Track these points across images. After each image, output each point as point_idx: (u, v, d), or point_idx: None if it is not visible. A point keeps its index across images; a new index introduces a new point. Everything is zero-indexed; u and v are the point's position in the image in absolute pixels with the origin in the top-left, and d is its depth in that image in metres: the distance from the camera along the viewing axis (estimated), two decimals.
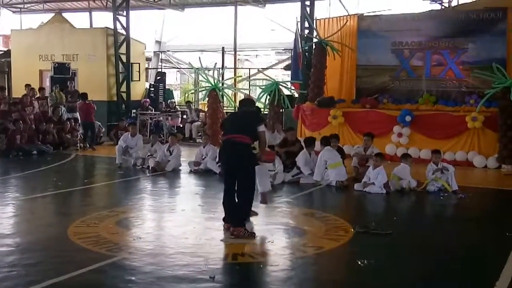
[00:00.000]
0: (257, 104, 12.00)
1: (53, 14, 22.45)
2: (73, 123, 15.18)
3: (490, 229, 7.22)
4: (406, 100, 14.55)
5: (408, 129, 12.89)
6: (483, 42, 13.86)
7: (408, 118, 12.82)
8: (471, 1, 15.29)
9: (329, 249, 6.01)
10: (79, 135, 15.09)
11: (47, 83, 18.31)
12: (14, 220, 7.36)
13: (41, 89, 16.12)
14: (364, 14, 16.30)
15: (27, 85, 15.49)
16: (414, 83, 14.89)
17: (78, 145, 14.82)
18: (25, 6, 24.68)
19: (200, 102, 17.78)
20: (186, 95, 24.83)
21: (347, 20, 15.74)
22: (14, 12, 25.21)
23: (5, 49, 23.22)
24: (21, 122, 13.70)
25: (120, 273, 5.15)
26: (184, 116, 18.30)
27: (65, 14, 22.66)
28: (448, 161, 10.57)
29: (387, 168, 9.66)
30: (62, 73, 17.13)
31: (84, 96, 15.28)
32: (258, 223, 6.87)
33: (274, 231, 6.75)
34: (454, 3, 16.56)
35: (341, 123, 13.68)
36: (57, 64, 17.44)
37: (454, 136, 12.55)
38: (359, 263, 5.46)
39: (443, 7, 16.08)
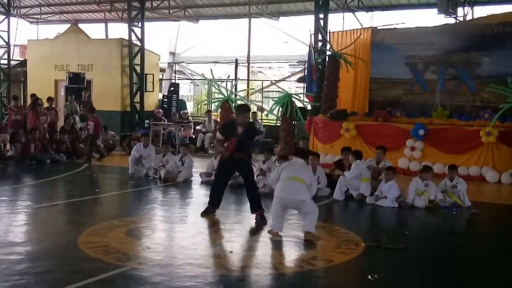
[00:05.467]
0: (270, 116, 12.03)
1: (69, 25, 22.74)
2: (85, 133, 15.24)
3: (504, 244, 7.11)
4: (419, 113, 14.48)
5: (421, 143, 12.80)
6: (497, 56, 13.79)
7: (421, 132, 12.74)
8: (486, 15, 15.22)
9: (340, 263, 5.95)
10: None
11: (62, 93, 18.49)
12: (25, 228, 7.40)
13: (50, 99, 16.18)
14: (378, 28, 16.31)
15: (32, 95, 15.55)
16: (428, 97, 14.82)
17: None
18: (42, 17, 25.03)
19: (212, 113, 17.81)
20: (199, 106, 24.92)
21: (360, 33, 15.75)
22: (31, 22, 25.56)
23: (22, 59, 23.50)
24: (37, 131, 13.87)
25: (129, 283, 5.14)
26: (198, 127, 18.31)
27: (81, 25, 22.93)
28: (462, 176, 10.45)
29: (400, 182, 9.58)
30: (77, 83, 17.31)
31: (92, 110, 15.12)
32: (269, 235, 6.84)
33: (285, 243, 6.70)
34: (469, 17, 16.48)
35: (353, 136, 13.62)
36: (72, 74, 17.62)
37: (468, 150, 12.43)
38: (370, 277, 5.40)
39: (457, 21, 15.99)
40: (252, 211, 7.78)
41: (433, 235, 7.77)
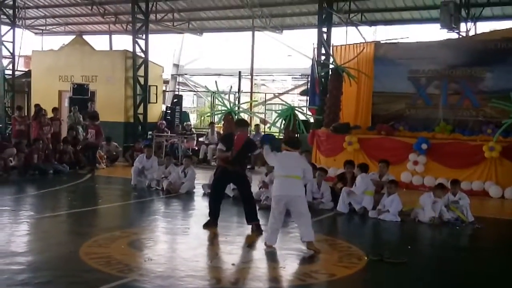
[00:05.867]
0: (273, 128, 12.09)
1: (74, 36, 22.91)
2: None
3: (507, 259, 7.09)
4: (422, 128, 14.48)
5: (424, 157, 12.78)
6: (500, 71, 13.81)
7: (424, 146, 12.72)
8: (488, 31, 15.28)
9: (342, 277, 5.93)
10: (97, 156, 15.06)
11: (65, 104, 18.58)
12: (27, 238, 7.39)
13: (55, 109, 16.26)
14: (381, 42, 16.37)
15: (36, 105, 15.60)
16: (431, 111, 14.83)
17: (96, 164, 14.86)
18: (47, 28, 25.24)
19: (215, 125, 17.85)
20: (202, 118, 24.99)
21: (363, 47, 15.81)
22: (36, 33, 25.77)
23: (26, 70, 23.65)
24: (41, 141, 13.92)
25: None
26: (201, 139, 18.33)
27: (86, 37, 23.11)
28: (464, 191, 10.42)
29: (403, 195, 9.55)
30: (81, 94, 17.39)
31: (94, 117, 14.84)
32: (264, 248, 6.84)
33: (286, 256, 6.68)
34: (471, 33, 16.54)
35: (356, 149, 13.61)
36: (76, 85, 17.71)
37: (471, 165, 12.39)
38: None
39: (460, 36, 16.06)
40: (248, 222, 7.90)
41: (436, 249, 7.74)
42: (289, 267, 6.24)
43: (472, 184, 12.14)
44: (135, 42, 18.77)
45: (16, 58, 21.46)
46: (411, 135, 13.92)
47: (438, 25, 15.43)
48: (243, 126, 8.31)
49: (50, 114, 15.65)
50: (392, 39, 16.49)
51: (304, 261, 6.56)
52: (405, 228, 8.80)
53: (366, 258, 6.58)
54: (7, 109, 20.97)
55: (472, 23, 16.80)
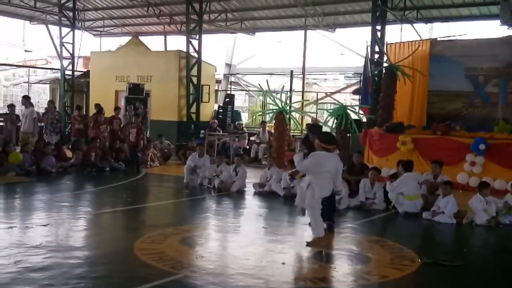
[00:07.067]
0: (324, 127, 11.97)
1: (130, 37, 23.51)
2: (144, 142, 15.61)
3: None
4: (480, 127, 13.98)
5: (482, 158, 12.34)
6: None
7: (482, 147, 12.29)
8: None
9: (394, 279, 5.82)
10: (150, 154, 15.43)
11: (122, 103, 19.09)
12: (84, 233, 7.65)
13: (117, 108, 16.79)
14: (438, 39, 15.94)
15: (97, 105, 16.10)
16: (489, 110, 14.34)
17: (149, 163, 15.20)
18: (105, 30, 25.99)
19: (267, 124, 17.88)
20: (254, 117, 25.11)
21: (419, 45, 15.44)
22: (94, 35, 26.59)
23: (85, 70, 24.46)
24: (98, 140, 14.36)
25: None
26: (252, 138, 18.43)
27: (141, 37, 23.65)
28: None
29: (458, 197, 9.29)
30: (137, 94, 17.79)
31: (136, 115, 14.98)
32: (322, 249, 6.79)
33: (338, 257, 6.63)
34: None
35: (410, 149, 13.28)
36: (132, 85, 18.15)
37: None
38: None
39: None
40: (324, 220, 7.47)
41: (493, 254, 7.48)
42: (340, 267, 6.19)
43: None
44: (188, 42, 19.04)
45: (76, 59, 22.22)
46: (468, 135, 13.46)
47: (498, 22, 14.90)
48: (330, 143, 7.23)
49: (111, 113, 16.10)
50: (449, 36, 16.02)
51: (356, 262, 6.48)
52: (460, 230, 8.55)
53: (419, 260, 6.43)
54: (66, 108, 21.75)
55: None
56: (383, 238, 7.70)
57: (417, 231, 8.84)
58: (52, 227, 7.63)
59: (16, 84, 31.00)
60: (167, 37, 25.32)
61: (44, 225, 7.63)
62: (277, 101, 14.41)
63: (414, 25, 18.52)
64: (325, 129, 11.35)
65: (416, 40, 16.30)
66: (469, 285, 5.85)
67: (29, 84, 27.14)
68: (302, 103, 19.30)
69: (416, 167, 12.88)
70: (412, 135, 13.69)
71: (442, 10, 18.05)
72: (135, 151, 14.54)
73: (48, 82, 26.77)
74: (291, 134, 16.12)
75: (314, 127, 8.64)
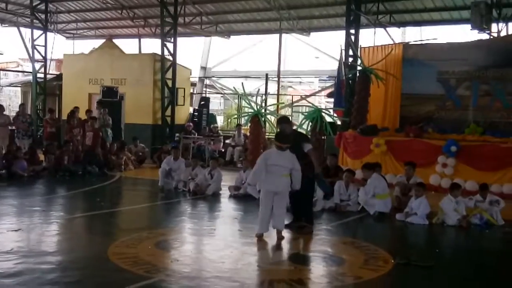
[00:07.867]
0: (299, 130, 12.04)
1: (104, 40, 23.27)
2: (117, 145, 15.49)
3: None
4: (451, 130, 14.24)
5: (453, 160, 12.58)
6: None
7: (453, 148, 12.52)
8: None
9: (368, 280, 5.87)
10: (124, 157, 15.29)
11: (95, 107, 18.89)
12: (57, 238, 7.53)
13: (88, 111, 16.52)
14: (410, 43, 16.18)
15: (76, 108, 15.86)
16: (461, 113, 14.61)
17: (122, 167, 15.06)
18: (78, 32, 25.69)
19: (242, 127, 17.90)
20: (229, 120, 25.11)
21: (392, 49, 15.65)
22: (67, 38, 26.25)
23: (57, 73, 24.13)
24: (71, 143, 14.17)
25: None
26: (228, 141, 18.42)
27: (115, 40, 23.41)
28: (495, 194, 10.22)
29: (431, 198, 9.43)
30: (110, 97, 17.62)
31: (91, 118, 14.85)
32: (297, 251, 6.81)
33: (312, 258, 6.67)
34: (503, 33, 16.21)
35: (383, 151, 13.47)
36: (105, 88, 17.96)
37: (502, 168, 12.14)
38: None
39: (491, 37, 15.75)
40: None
41: (464, 254, 7.61)
42: (315, 269, 6.23)
43: (503, 187, 11.89)
44: (163, 45, 18.94)
45: (48, 61, 21.89)
46: (440, 137, 13.71)
47: (468, 26, 15.15)
48: (287, 122, 8.36)
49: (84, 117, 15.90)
50: (422, 40, 16.28)
51: (331, 264, 6.52)
52: (433, 231, 8.67)
53: (392, 261, 6.51)
54: (38, 111, 21.42)
55: (504, 24, 16.45)
56: (358, 240, 7.77)
57: (390, 232, 8.95)
58: (24, 232, 7.51)
59: None
60: (142, 40, 25.16)
61: (15, 230, 7.50)
62: (253, 104, 14.45)
63: (387, 29, 18.76)
64: (301, 131, 11.36)
65: (389, 44, 16.53)
66: (442, 285, 5.94)
67: (0, 87, 26.64)
68: (277, 106, 19.37)
69: (389, 168, 13.13)
70: (386, 138, 13.88)
71: (414, 14, 18.32)
72: (91, 154, 14.40)
73: (20, 85, 26.31)
74: (266, 137, 16.15)
75: (282, 119, 8.73)
